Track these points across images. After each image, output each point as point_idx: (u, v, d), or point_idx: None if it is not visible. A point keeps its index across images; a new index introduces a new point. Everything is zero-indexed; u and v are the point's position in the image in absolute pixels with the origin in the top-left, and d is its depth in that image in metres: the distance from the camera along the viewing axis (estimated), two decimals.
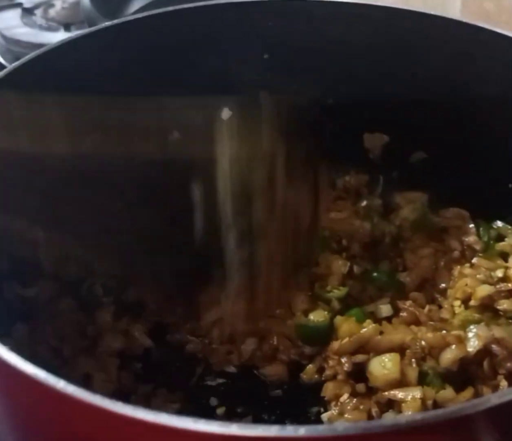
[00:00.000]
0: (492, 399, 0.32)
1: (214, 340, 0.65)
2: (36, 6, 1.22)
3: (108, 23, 0.68)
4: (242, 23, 0.74)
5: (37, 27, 1.17)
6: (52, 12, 1.21)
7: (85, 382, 0.61)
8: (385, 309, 0.67)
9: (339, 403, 0.59)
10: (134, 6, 0.76)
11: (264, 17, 0.74)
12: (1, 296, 0.64)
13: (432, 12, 1.03)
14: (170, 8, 0.71)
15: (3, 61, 1.14)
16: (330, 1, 0.75)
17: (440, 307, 0.68)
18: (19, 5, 1.22)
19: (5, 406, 0.41)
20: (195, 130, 0.78)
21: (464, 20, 0.76)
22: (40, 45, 1.07)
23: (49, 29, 1.16)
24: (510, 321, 0.65)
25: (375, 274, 0.71)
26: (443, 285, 0.70)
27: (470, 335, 0.60)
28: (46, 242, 0.62)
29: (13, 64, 0.65)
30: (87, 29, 0.71)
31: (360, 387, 0.61)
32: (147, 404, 0.59)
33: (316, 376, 0.63)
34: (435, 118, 0.75)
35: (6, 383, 0.38)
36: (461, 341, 0.60)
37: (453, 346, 0.60)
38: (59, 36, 1.11)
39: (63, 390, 0.34)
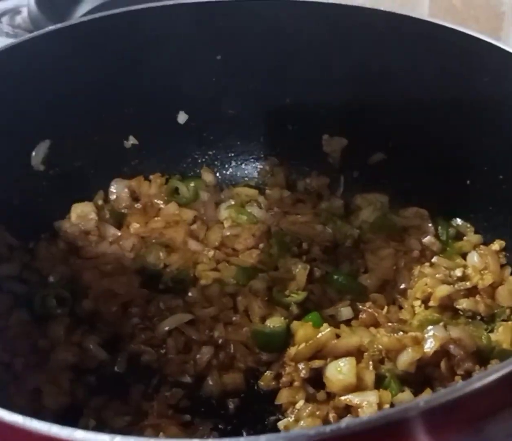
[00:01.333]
0: (420, 403, 0.31)
1: (169, 350, 0.64)
2: (3, 14, 1.21)
3: (51, 27, 0.67)
4: (192, 23, 0.73)
5: (3, 34, 1.17)
6: (18, 19, 1.21)
7: (34, 397, 0.59)
8: (345, 312, 0.67)
9: (295, 410, 0.58)
10: (81, 10, 0.74)
11: (215, 18, 0.73)
12: None
13: (395, 11, 1.04)
14: (117, 11, 0.69)
15: None
16: (287, 0, 0.74)
17: (401, 307, 0.68)
18: None
19: None
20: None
21: (426, 18, 0.75)
22: None
23: (16, 36, 1.15)
24: (470, 320, 0.65)
25: (335, 277, 0.70)
26: (404, 285, 0.69)
27: (427, 336, 0.59)
28: None
29: None
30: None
31: (321, 394, 0.59)
32: (98, 416, 0.58)
33: (273, 383, 0.62)
34: (392, 120, 0.75)
35: None
36: (418, 342, 0.59)
37: (410, 348, 0.59)
38: None
39: None
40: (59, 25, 0.68)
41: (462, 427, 0.33)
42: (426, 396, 0.33)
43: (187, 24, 0.72)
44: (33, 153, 0.73)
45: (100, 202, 0.78)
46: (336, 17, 0.73)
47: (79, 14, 0.74)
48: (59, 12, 0.75)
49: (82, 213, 0.75)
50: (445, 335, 0.59)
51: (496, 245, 0.69)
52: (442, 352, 0.59)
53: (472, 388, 0.32)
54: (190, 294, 0.69)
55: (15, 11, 1.24)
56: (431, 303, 0.66)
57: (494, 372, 0.33)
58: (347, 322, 0.65)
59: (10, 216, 0.70)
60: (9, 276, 0.70)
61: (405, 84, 0.72)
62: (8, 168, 0.69)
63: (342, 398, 0.57)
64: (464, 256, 0.70)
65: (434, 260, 0.70)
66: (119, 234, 0.75)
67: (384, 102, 0.74)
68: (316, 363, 0.60)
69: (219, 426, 0.59)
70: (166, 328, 0.65)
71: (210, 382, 0.62)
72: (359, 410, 0.56)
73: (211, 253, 0.73)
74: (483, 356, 0.60)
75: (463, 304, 0.65)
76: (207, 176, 0.82)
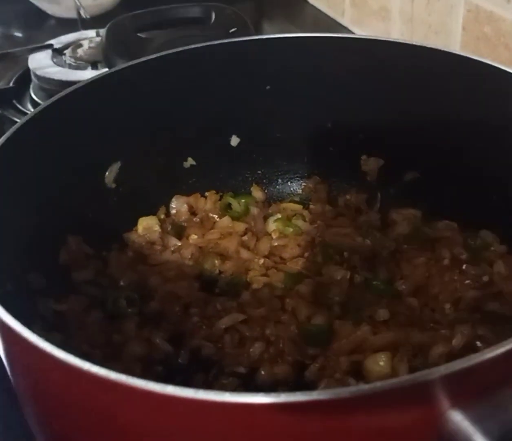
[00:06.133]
0: (441, 368, 0.39)
1: (226, 344, 0.72)
2: (65, 47, 1.33)
3: (124, 65, 0.77)
4: (245, 58, 0.83)
5: (66, 66, 1.27)
6: (80, 51, 1.31)
7: None
8: (382, 313, 0.74)
9: None
10: (148, 48, 0.84)
11: (263, 54, 0.83)
12: (37, 310, 0.71)
13: (430, 37, 1.11)
14: (180, 49, 0.80)
15: (35, 98, 1.25)
16: (324, 36, 0.83)
17: (433, 310, 0.75)
18: (50, 46, 1.33)
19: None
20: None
21: (459, 52, 0.83)
22: (70, 83, 1.17)
23: (78, 67, 1.26)
24: (496, 320, 0.71)
25: (374, 283, 0.78)
26: (435, 290, 0.76)
27: (455, 333, 0.67)
28: None
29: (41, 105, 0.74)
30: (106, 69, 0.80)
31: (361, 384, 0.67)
32: None
33: (318, 374, 0.69)
34: (425, 143, 0.82)
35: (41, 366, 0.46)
36: (448, 338, 0.67)
37: (440, 344, 0.66)
38: (87, 73, 1.21)
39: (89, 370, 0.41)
40: (130, 63, 0.78)
41: (475, 391, 0.41)
42: (446, 364, 0.40)
43: (239, 60, 0.82)
44: (107, 173, 0.83)
45: (162, 216, 0.87)
46: (374, 51, 0.82)
47: (146, 52, 0.84)
48: (128, 50, 0.85)
49: (147, 226, 0.84)
50: (472, 331, 0.66)
51: None
52: (470, 347, 0.66)
53: (483, 358, 0.40)
54: (243, 296, 0.77)
55: (76, 44, 1.35)
56: (460, 306, 0.73)
57: (503, 346, 0.41)
58: (384, 322, 0.73)
59: (86, 229, 0.80)
60: (86, 280, 0.79)
61: (435, 111, 0.80)
62: (86, 186, 0.79)
63: None
64: (490, 264, 0.77)
65: (463, 267, 0.77)
66: (180, 244, 0.84)
67: (418, 127, 0.82)
68: (356, 357, 0.68)
69: None
70: (223, 326, 0.73)
71: (262, 372, 0.69)
72: None
73: (261, 261, 0.82)
74: None
75: (489, 306, 0.72)
76: (257, 193, 0.91)
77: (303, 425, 0.41)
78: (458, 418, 0.40)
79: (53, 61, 1.29)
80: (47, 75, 1.24)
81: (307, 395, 0.39)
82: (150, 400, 0.41)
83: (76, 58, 1.30)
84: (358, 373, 0.68)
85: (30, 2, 1.69)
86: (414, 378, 0.39)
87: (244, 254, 0.83)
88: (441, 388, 0.40)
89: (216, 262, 0.82)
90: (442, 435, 0.41)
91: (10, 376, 0.56)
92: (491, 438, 0.39)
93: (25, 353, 0.46)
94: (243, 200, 0.89)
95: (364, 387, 0.39)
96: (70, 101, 0.77)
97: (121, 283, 0.79)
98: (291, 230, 0.85)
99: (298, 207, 0.89)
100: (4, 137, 0.70)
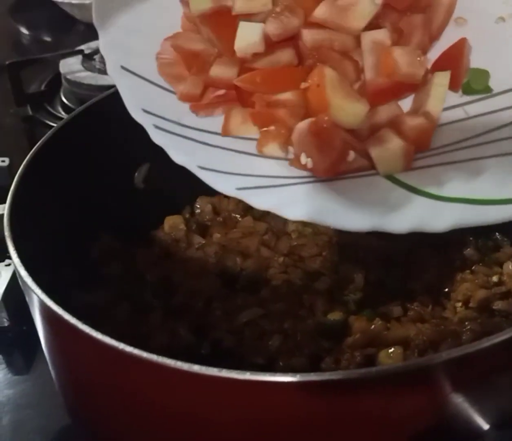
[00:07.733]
0: (443, 355, 0.43)
1: (246, 337, 0.76)
2: (95, 52, 1.38)
3: None
4: None
5: (96, 71, 1.33)
6: None
7: None
8: (395, 310, 0.77)
9: None
10: None
11: None
12: (70, 302, 0.76)
13: None
14: None
15: (66, 102, 1.31)
16: None
17: (444, 308, 0.78)
18: (80, 52, 1.38)
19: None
20: None
21: None
22: (99, 87, 1.22)
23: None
24: (504, 319, 0.75)
25: (388, 281, 0.81)
26: (447, 289, 0.80)
27: (464, 329, 0.70)
28: None
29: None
30: None
31: None
32: None
33: (333, 366, 0.72)
34: None
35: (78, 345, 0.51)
36: (457, 334, 0.70)
37: (450, 339, 0.70)
38: None
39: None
40: None
41: (474, 376, 0.45)
42: (447, 351, 0.44)
43: None
44: (136, 174, 0.88)
45: (187, 215, 0.92)
46: None
47: None
48: None
49: (173, 225, 0.89)
50: (479, 328, 0.70)
51: None
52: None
53: (482, 346, 0.44)
54: (263, 292, 0.81)
55: None
56: (470, 304, 0.77)
57: (500, 336, 0.44)
58: (397, 319, 0.76)
59: (116, 226, 0.85)
60: (115, 274, 0.84)
61: None
62: (117, 186, 0.85)
63: None
64: (500, 264, 0.81)
65: (474, 268, 0.81)
66: (204, 242, 0.89)
67: None
68: (369, 351, 0.72)
69: None
70: (244, 320, 0.77)
71: (280, 364, 0.73)
72: None
73: (281, 259, 0.86)
74: None
75: (498, 305, 0.75)
76: None
77: (316, 406, 0.45)
78: (458, 401, 0.44)
79: (83, 66, 1.34)
80: (78, 80, 1.29)
81: (319, 375, 0.43)
82: (178, 378, 0.46)
83: (105, 63, 1.34)
84: (371, 366, 0.71)
85: (59, 8, 1.76)
86: (418, 362, 0.43)
87: (265, 252, 0.87)
88: (443, 372, 0.43)
89: (238, 259, 0.86)
90: (444, 416, 0.45)
91: (47, 358, 0.61)
92: (488, 419, 0.43)
93: (64, 335, 0.51)
94: None
95: (371, 369, 0.43)
96: (102, 106, 0.82)
97: (148, 278, 0.84)
98: (310, 230, 0.89)
99: None
100: (41, 141, 0.75)
